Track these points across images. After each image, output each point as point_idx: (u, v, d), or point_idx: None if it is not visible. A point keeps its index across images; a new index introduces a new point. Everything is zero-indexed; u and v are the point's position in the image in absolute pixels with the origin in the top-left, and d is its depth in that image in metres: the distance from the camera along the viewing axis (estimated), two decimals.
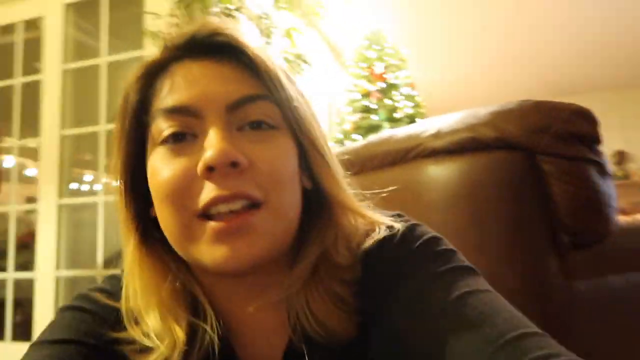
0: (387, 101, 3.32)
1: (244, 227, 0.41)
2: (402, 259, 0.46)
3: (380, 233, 0.47)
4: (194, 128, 0.44)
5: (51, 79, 2.51)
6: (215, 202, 0.41)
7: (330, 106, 3.85)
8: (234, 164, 0.41)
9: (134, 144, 0.47)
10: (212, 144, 0.41)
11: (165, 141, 0.45)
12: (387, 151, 1.01)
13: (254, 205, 0.42)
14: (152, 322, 0.45)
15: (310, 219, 0.47)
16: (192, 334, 0.46)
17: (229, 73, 0.45)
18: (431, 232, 0.49)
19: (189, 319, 0.46)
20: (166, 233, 0.46)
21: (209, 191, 0.41)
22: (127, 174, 0.48)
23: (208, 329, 0.45)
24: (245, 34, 0.47)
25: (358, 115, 3.34)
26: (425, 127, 0.96)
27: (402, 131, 1.03)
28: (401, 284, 0.45)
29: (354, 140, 3.18)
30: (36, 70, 2.61)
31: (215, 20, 0.48)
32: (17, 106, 2.63)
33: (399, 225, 0.47)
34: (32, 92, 2.55)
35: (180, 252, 0.45)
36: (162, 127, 0.44)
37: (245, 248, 0.41)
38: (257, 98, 0.44)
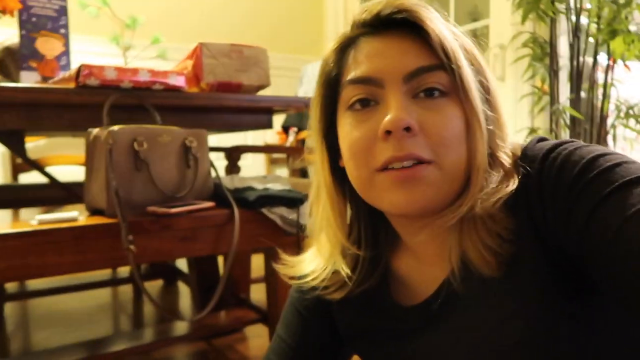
0: None
1: (415, 178, 0.48)
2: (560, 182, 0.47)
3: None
4: (377, 96, 0.52)
5: None
6: (391, 160, 0.49)
7: None
8: (407, 129, 0.48)
9: (329, 108, 0.57)
10: (390, 110, 0.49)
11: (352, 107, 0.53)
12: None
13: (423, 162, 0.49)
14: (324, 245, 0.60)
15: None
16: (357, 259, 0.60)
17: (408, 46, 0.51)
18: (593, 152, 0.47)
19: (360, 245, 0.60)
20: (352, 182, 0.55)
21: (387, 151, 0.49)
22: (323, 131, 0.58)
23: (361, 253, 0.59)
24: (428, 9, 0.52)
25: None
26: None
27: None
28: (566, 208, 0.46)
29: None
30: None
31: None
32: None
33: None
34: None
35: (363, 197, 0.55)
36: (350, 95, 0.53)
37: (417, 194, 0.49)
38: (429, 69, 0.50)
